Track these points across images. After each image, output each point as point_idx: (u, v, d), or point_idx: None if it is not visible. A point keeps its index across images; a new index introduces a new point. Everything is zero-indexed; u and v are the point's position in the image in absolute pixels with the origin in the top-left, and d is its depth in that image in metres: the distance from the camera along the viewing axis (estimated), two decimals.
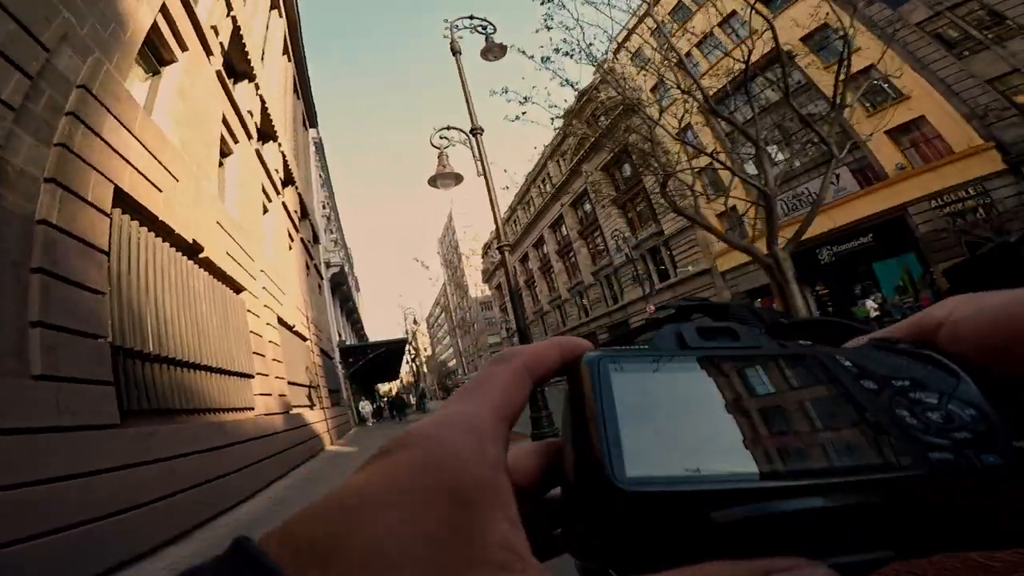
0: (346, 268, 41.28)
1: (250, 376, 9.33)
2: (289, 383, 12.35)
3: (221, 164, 11.32)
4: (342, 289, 35.95)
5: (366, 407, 28.10)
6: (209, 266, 8.54)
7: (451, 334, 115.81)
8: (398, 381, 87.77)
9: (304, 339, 16.36)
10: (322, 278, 26.18)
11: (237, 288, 9.94)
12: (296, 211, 19.79)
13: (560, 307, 50.40)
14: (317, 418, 14.63)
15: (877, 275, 21.92)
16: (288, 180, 18.69)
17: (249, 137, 12.94)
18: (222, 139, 10.90)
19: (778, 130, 26.66)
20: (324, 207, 35.83)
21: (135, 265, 6.24)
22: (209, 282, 8.49)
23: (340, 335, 31.32)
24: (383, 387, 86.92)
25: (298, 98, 26.73)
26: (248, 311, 10.09)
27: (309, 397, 14.70)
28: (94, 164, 5.39)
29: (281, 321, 13.10)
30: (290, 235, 18.01)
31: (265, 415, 9.38)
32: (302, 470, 10.25)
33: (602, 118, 39.02)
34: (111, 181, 5.71)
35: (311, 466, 10.93)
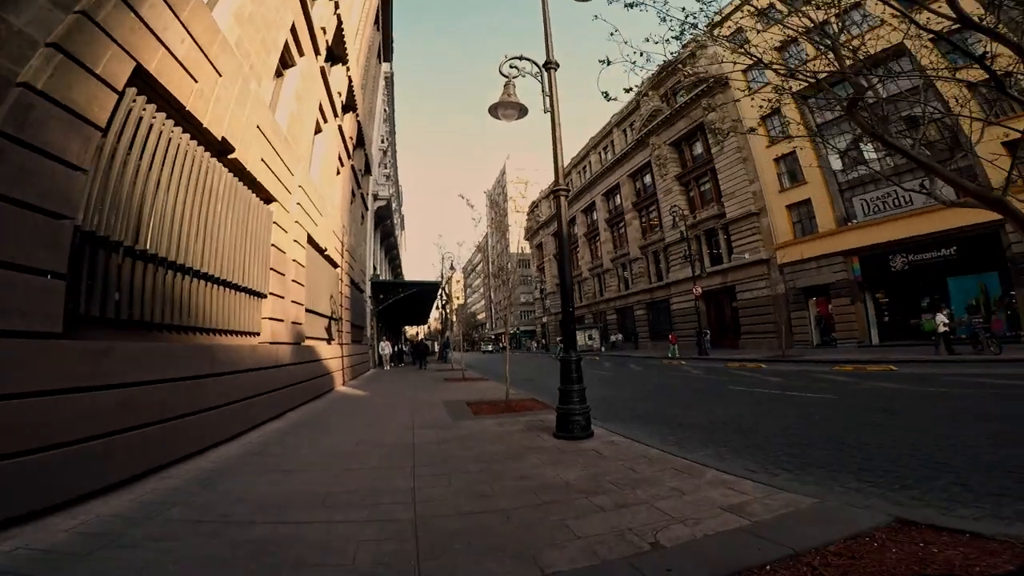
0: (393, 205, 40.42)
1: (262, 295, 8.29)
2: (308, 311, 11.37)
3: (281, 74, 10.46)
4: (385, 224, 35.14)
5: (385, 348, 26.22)
6: (237, 169, 7.43)
7: (485, 284, 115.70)
8: (426, 326, 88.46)
9: (335, 265, 15.39)
10: (367, 208, 25.19)
11: (267, 197, 8.81)
12: (352, 138, 18.79)
13: (600, 276, 48.84)
14: (332, 354, 13.75)
15: (950, 290, 20.13)
16: (350, 106, 17.99)
17: (317, 53, 12.04)
18: (286, 47, 10.13)
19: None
20: (383, 141, 34.90)
21: (139, 150, 5.09)
22: (232, 185, 7.33)
23: (376, 270, 30.58)
24: (411, 330, 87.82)
25: (377, 29, 25.70)
26: (275, 223, 8.96)
27: (328, 329, 13.79)
28: (117, 37, 4.54)
29: (312, 242, 12.04)
30: (340, 160, 16.93)
31: (270, 343, 8.37)
32: (302, 411, 9.32)
33: (681, 93, 37.08)
34: (133, 58, 4.81)
35: (314, 407, 10.03)
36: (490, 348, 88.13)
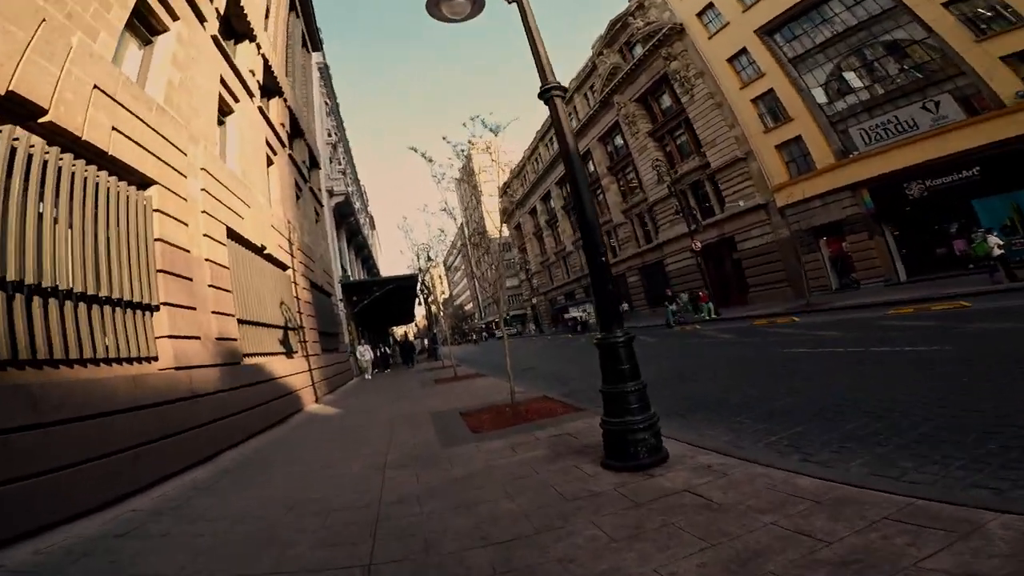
0: (356, 203, 37.61)
1: (148, 308, 5.86)
2: (243, 322, 8.92)
3: (149, 41, 8.06)
4: (349, 223, 32.39)
5: (365, 354, 21.56)
6: (68, 139, 4.96)
7: (468, 277, 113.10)
8: (414, 325, 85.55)
9: (283, 267, 12.87)
10: (321, 205, 22.54)
11: (141, 180, 6.36)
12: (283, 124, 16.31)
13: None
14: (294, 369, 11.34)
15: (978, 213, 18.20)
16: (274, 90, 15.66)
17: (202, 21, 9.62)
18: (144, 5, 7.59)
19: (854, 56, 22.12)
20: (330, 135, 32.09)
21: None
22: (65, 165, 4.87)
23: (346, 271, 27.96)
24: (399, 330, 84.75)
25: (297, 16, 23.02)
26: (158, 211, 6.49)
27: (284, 341, 11.33)
28: None
29: (238, 237, 9.59)
30: (271, 147, 14.44)
31: (176, 369, 5.97)
32: (244, 448, 7.04)
33: (637, 46, 34.88)
34: None
35: (265, 439, 7.73)
36: (484, 337, 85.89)
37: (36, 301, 4.21)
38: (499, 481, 3.93)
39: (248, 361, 8.78)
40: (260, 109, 13.64)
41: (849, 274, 22.74)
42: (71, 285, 4.66)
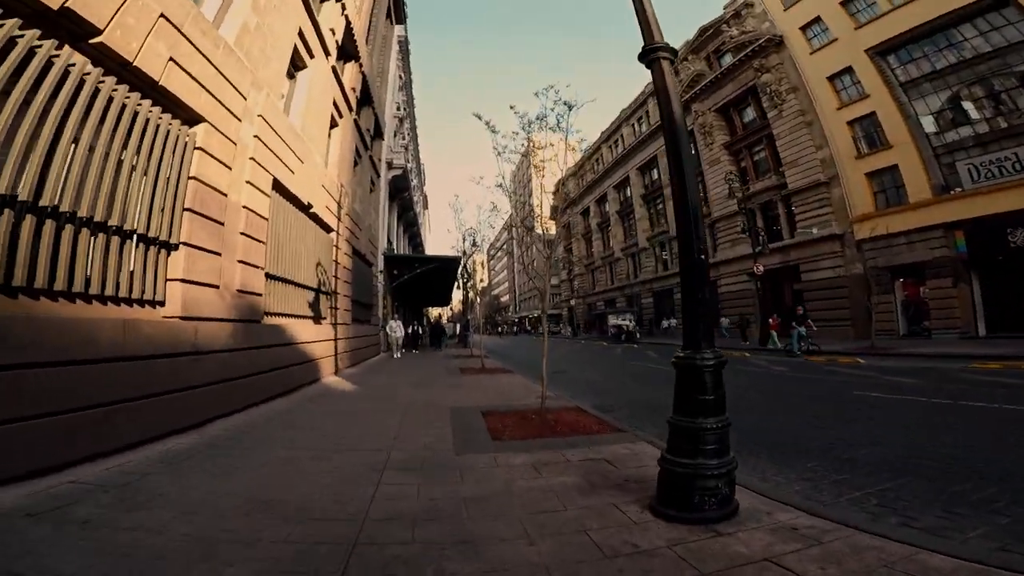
0: (413, 180, 37.52)
1: (166, 246, 5.39)
2: (271, 277, 8.49)
3: None
4: (403, 197, 32.26)
5: (396, 331, 19.46)
6: (117, 63, 4.62)
7: (508, 269, 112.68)
8: (449, 308, 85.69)
9: (328, 229, 12.49)
10: (378, 175, 22.28)
11: (190, 117, 5.94)
12: (355, 90, 15.99)
13: (635, 256, 45.25)
14: (319, 336, 10.92)
15: None
16: (350, 53, 15.40)
17: None
18: None
19: (979, 84, 20.08)
20: (399, 108, 32.01)
21: None
22: (105, 87, 4.48)
23: (391, 244, 27.77)
24: (433, 312, 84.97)
25: None
26: (201, 150, 6.06)
27: (313, 305, 10.93)
28: None
29: (283, 190, 9.15)
30: (338, 109, 14.10)
31: (182, 319, 5.48)
32: (239, 418, 6.47)
33: (727, 55, 33.20)
34: None
35: (266, 410, 7.19)
36: (514, 331, 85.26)
37: (28, 221, 3.72)
38: (518, 512, 3.15)
39: (269, 320, 8.33)
40: (334, 69, 13.28)
41: (921, 321, 20.73)
42: (75, 208, 4.17)
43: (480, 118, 7.50)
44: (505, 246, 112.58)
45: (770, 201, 28.53)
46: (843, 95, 24.30)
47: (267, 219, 8.10)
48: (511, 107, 7.38)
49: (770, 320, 21.32)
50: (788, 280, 27.05)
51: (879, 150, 22.34)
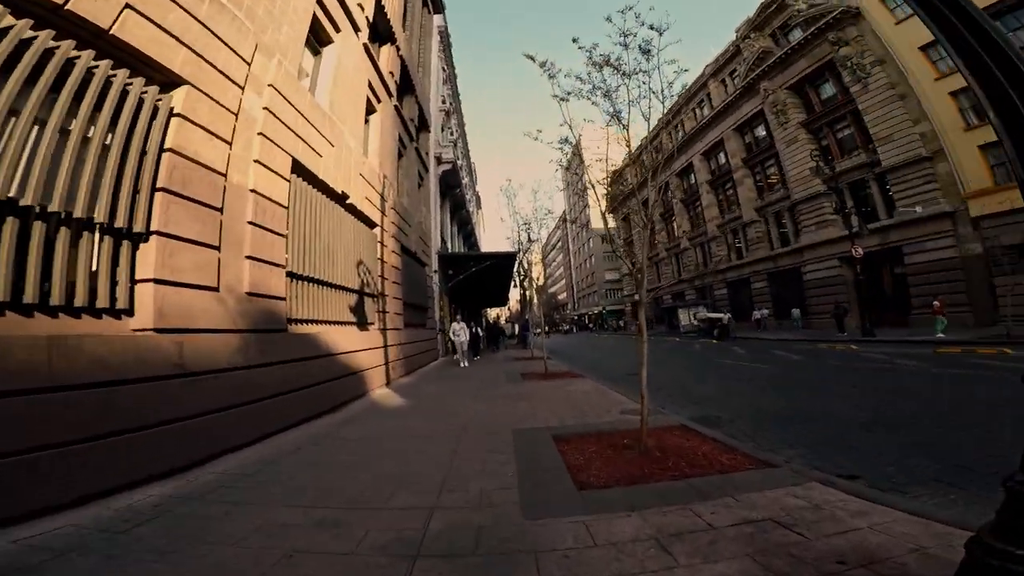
0: (465, 178, 36.43)
1: (131, 236, 4.08)
2: (295, 276, 7.20)
3: None
4: (454, 194, 31.15)
5: (460, 334, 16.58)
6: (46, 11, 3.25)
7: (565, 265, 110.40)
8: (507, 308, 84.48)
9: (370, 224, 11.26)
10: (426, 169, 21.12)
11: (168, 80, 4.67)
12: (393, 74, 14.82)
13: (704, 245, 42.07)
14: (365, 343, 9.64)
15: None
16: (384, 34, 14.35)
17: None
18: None
19: None
20: (444, 102, 30.96)
21: None
22: (39, 43, 3.22)
23: (445, 243, 26.66)
24: (491, 312, 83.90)
25: None
26: (181, 117, 4.76)
27: (357, 309, 9.66)
28: None
29: (309, 176, 7.87)
30: (374, 92, 12.91)
31: (162, 331, 4.13)
32: (258, 449, 5.11)
33: (796, 31, 30.01)
34: None
35: (291, 439, 5.78)
36: (573, 329, 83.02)
37: None
38: None
39: (297, 329, 7.05)
40: (366, 47, 12.08)
41: None
42: None
43: (534, 59, 5.87)
44: (560, 243, 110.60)
45: (861, 180, 25.23)
46: (940, 65, 21.19)
47: (286, 207, 6.80)
48: (573, 40, 5.71)
49: (935, 303, 18.39)
50: (886, 264, 23.81)
51: None
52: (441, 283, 22.55)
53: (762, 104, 32.13)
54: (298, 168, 7.41)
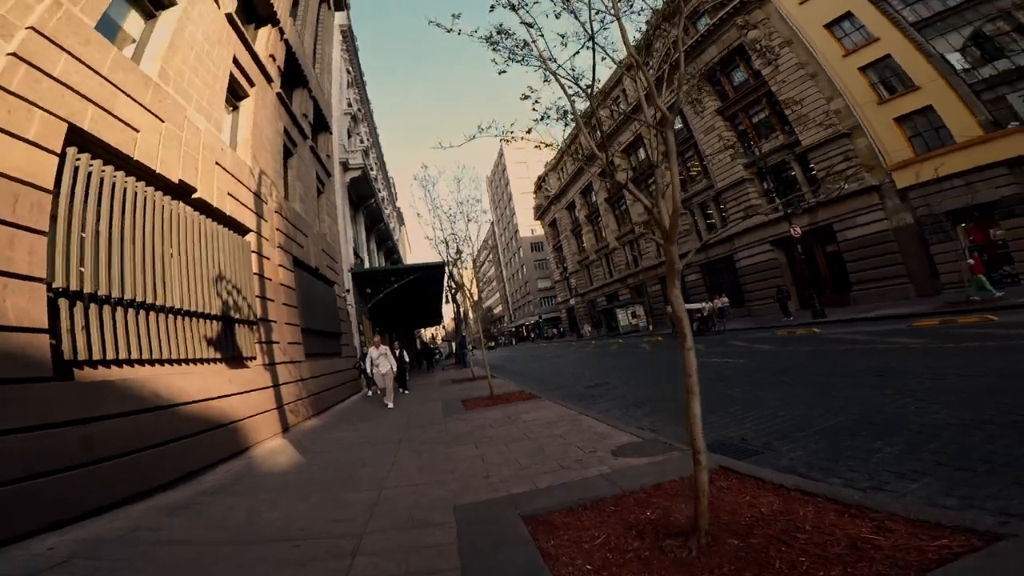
0: (378, 186, 33.64)
1: None
2: (77, 297, 4.70)
3: None
4: (369, 206, 28.36)
5: (381, 364, 11.55)
6: None
7: (497, 279, 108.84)
8: (442, 327, 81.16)
9: (239, 230, 8.72)
10: (328, 174, 18.47)
11: None
12: (273, 57, 12.32)
13: (633, 243, 41.45)
14: (241, 385, 7.17)
15: None
16: (260, 12, 12.34)
17: None
18: None
19: (1001, 19, 17.17)
20: (350, 105, 28.38)
21: None
22: None
23: (361, 259, 23.91)
24: (426, 333, 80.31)
25: None
26: None
27: (219, 341, 7.12)
28: None
29: (103, 150, 5.37)
30: (245, 73, 10.41)
31: None
32: None
33: (704, 18, 30.17)
34: None
35: (90, 532, 3.31)
36: (512, 341, 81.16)
37: None
38: None
39: (94, 375, 4.55)
40: (230, 18, 9.66)
41: (1001, 267, 17.34)
42: None
43: (439, 25, 3.99)
44: (491, 254, 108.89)
45: (782, 162, 25.28)
46: (846, 42, 21.99)
47: (49, 192, 4.33)
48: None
49: (970, 261, 14.77)
50: (819, 243, 23.86)
51: (906, 92, 19.75)
52: (359, 304, 19.86)
53: (677, 95, 31.86)
54: (84, 140, 4.92)
